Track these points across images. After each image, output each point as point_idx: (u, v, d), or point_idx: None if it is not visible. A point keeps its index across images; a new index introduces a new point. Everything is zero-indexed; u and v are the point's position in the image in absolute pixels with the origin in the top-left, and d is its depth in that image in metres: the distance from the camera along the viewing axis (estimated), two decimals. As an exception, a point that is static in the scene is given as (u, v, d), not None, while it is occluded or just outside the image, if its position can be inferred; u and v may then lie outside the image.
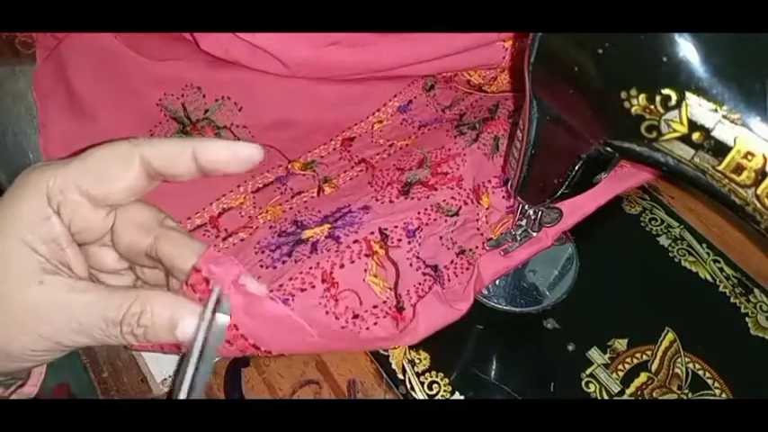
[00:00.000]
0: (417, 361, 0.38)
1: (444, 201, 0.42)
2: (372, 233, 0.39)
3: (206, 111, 0.49)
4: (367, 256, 0.38)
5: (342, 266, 0.37)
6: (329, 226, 0.40)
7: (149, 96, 0.48)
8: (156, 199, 0.43)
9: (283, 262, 0.38)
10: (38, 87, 0.49)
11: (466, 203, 0.42)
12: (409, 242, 0.39)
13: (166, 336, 0.27)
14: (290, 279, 0.36)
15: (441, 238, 0.40)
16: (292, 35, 0.46)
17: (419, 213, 0.40)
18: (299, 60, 0.47)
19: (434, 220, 0.41)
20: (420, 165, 0.44)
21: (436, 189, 0.42)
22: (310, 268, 0.37)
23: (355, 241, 0.38)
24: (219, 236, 0.42)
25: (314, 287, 0.36)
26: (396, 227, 0.39)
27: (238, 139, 0.47)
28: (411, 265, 0.38)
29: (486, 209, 0.43)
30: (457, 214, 0.42)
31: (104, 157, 0.28)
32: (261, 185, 0.45)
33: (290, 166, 0.46)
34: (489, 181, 0.44)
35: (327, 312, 0.35)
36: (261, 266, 0.38)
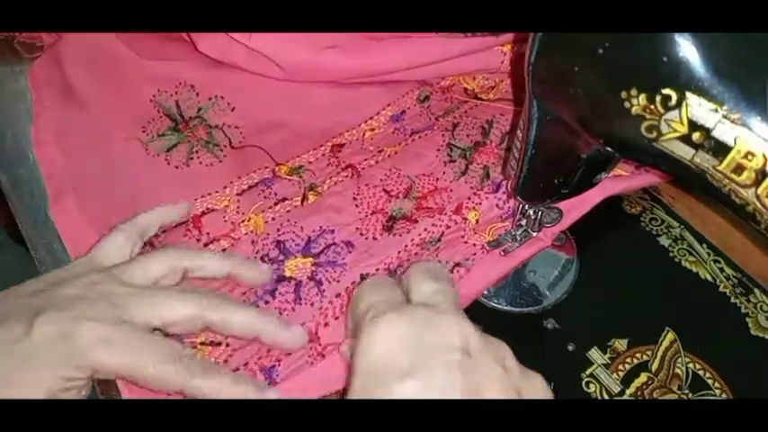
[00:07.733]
0: (417, 361, 0.38)
1: (425, 229, 0.42)
2: (354, 282, 0.40)
3: (199, 109, 0.49)
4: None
5: (326, 325, 0.38)
6: (312, 261, 0.41)
7: (143, 92, 0.48)
8: (140, 186, 0.43)
9: (266, 302, 0.39)
10: (33, 79, 0.49)
11: (448, 226, 0.42)
12: None
13: None
14: None
15: None
16: (289, 38, 0.46)
17: (399, 252, 0.41)
18: (296, 63, 0.47)
19: (415, 254, 0.41)
20: (407, 193, 0.44)
21: (417, 221, 0.43)
22: None
23: (337, 295, 0.39)
24: (201, 240, 0.42)
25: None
26: (377, 269, 0.40)
27: (229, 139, 0.47)
28: None
29: (476, 223, 0.43)
30: (439, 240, 0.42)
31: None
32: (246, 187, 0.44)
33: (276, 169, 0.46)
34: (474, 196, 0.44)
35: (313, 364, 0.36)
36: (245, 302, 0.39)
